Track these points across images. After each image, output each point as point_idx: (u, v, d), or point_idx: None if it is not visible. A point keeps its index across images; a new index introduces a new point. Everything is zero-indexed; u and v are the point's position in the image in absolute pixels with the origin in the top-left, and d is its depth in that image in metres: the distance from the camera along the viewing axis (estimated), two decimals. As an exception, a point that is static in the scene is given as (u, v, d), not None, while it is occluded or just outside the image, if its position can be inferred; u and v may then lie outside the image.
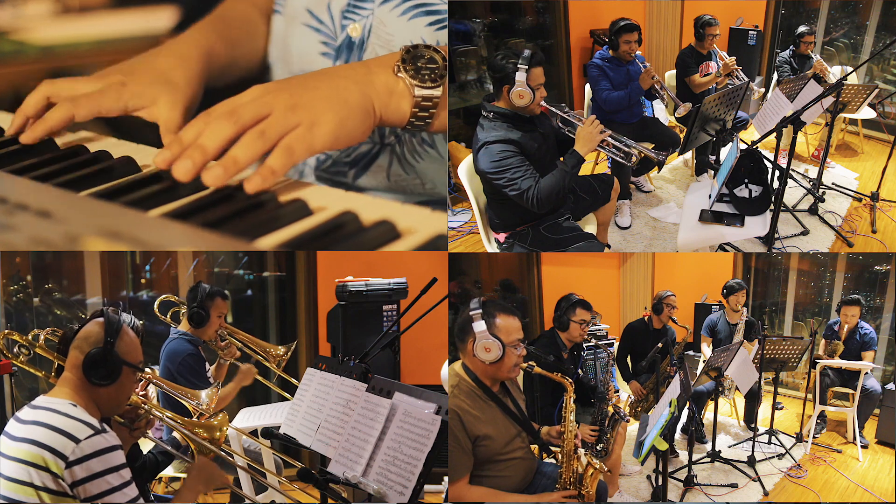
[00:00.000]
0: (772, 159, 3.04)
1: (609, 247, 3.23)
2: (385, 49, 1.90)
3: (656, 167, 3.39)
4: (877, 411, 3.77)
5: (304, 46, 2.01)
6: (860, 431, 3.59)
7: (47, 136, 1.71)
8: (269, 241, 1.43)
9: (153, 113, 1.74)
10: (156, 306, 2.98)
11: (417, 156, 1.98)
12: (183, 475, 3.02)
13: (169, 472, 2.74)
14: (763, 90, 4.42)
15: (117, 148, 1.78)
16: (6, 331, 1.92)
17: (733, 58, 3.73)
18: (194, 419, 2.01)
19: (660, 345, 3.30)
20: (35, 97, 1.74)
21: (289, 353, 2.92)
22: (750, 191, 2.75)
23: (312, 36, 2.00)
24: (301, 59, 2.03)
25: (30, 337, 1.93)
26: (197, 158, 1.50)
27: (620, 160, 2.53)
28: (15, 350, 1.90)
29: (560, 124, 2.55)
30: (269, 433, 2.21)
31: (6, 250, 3.18)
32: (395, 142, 1.98)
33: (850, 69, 4.31)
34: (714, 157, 3.61)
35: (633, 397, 3.57)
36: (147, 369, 2.35)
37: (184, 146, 1.53)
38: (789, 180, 3.20)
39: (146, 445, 2.21)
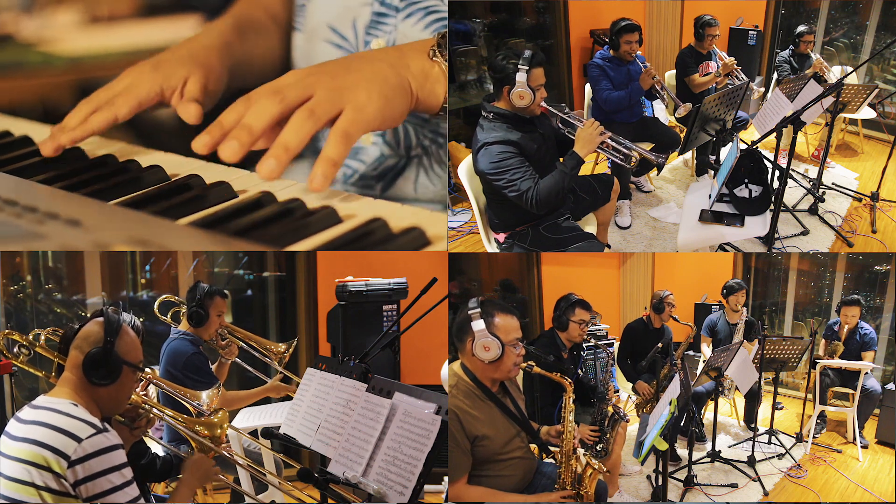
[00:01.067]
0: (772, 159, 3.04)
1: (609, 247, 3.23)
2: None
3: (656, 168, 3.39)
4: (877, 411, 3.77)
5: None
6: (860, 431, 3.59)
7: (88, 136, 1.68)
8: (299, 247, 1.44)
9: (187, 90, 1.73)
10: (156, 307, 2.98)
11: (444, 166, 1.98)
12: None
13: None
14: (763, 90, 4.42)
15: (145, 157, 1.79)
16: (6, 331, 1.92)
17: (733, 58, 3.73)
18: (195, 417, 2.01)
19: (660, 345, 3.30)
20: (77, 116, 1.71)
21: (290, 350, 2.92)
22: (750, 191, 2.75)
23: (333, 52, 2.00)
24: None
25: (30, 337, 1.93)
26: (244, 138, 1.47)
27: (620, 162, 2.53)
28: (15, 350, 1.90)
29: (560, 125, 2.55)
30: (270, 433, 2.21)
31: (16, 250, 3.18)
32: (422, 153, 1.99)
33: (850, 69, 4.31)
34: (714, 157, 3.61)
35: (634, 397, 3.57)
36: (147, 370, 2.35)
37: (225, 130, 1.50)
38: (789, 180, 3.20)
39: (156, 447, 2.21)
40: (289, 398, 2.90)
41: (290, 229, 1.45)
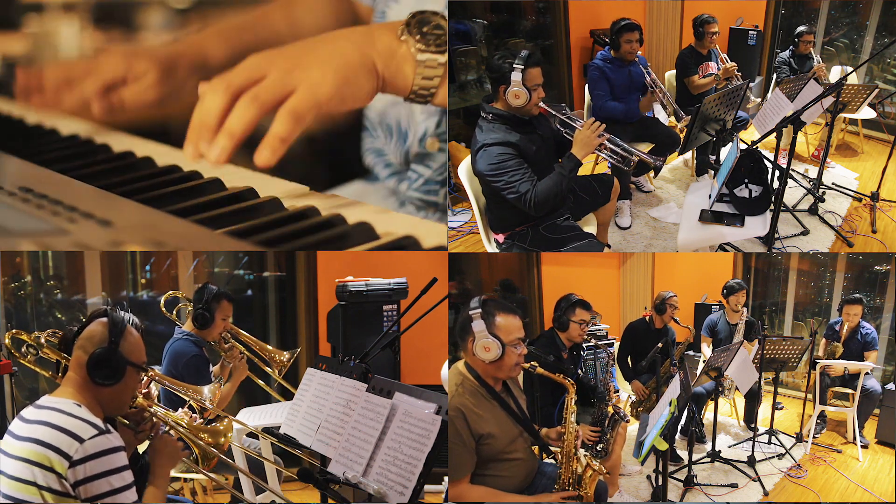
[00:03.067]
0: (772, 159, 3.04)
1: (609, 247, 3.23)
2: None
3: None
4: (877, 411, 3.77)
5: None
6: (860, 431, 3.59)
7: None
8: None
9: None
10: (162, 303, 2.98)
11: None
12: (183, 475, 3.03)
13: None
14: (759, 100, 4.42)
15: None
16: (14, 330, 1.92)
17: (734, 64, 3.73)
18: (199, 424, 2.00)
19: (660, 345, 3.30)
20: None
21: (291, 361, 2.92)
22: (750, 191, 2.75)
23: None
24: None
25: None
26: (205, 136, 1.49)
27: (618, 164, 2.53)
28: (23, 350, 1.89)
29: (559, 126, 2.55)
30: (270, 433, 2.21)
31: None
32: None
33: (850, 69, 4.31)
34: (714, 157, 3.61)
35: (633, 397, 3.57)
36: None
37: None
38: (789, 180, 3.20)
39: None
40: (291, 398, 2.90)
41: (327, 239, 1.52)
